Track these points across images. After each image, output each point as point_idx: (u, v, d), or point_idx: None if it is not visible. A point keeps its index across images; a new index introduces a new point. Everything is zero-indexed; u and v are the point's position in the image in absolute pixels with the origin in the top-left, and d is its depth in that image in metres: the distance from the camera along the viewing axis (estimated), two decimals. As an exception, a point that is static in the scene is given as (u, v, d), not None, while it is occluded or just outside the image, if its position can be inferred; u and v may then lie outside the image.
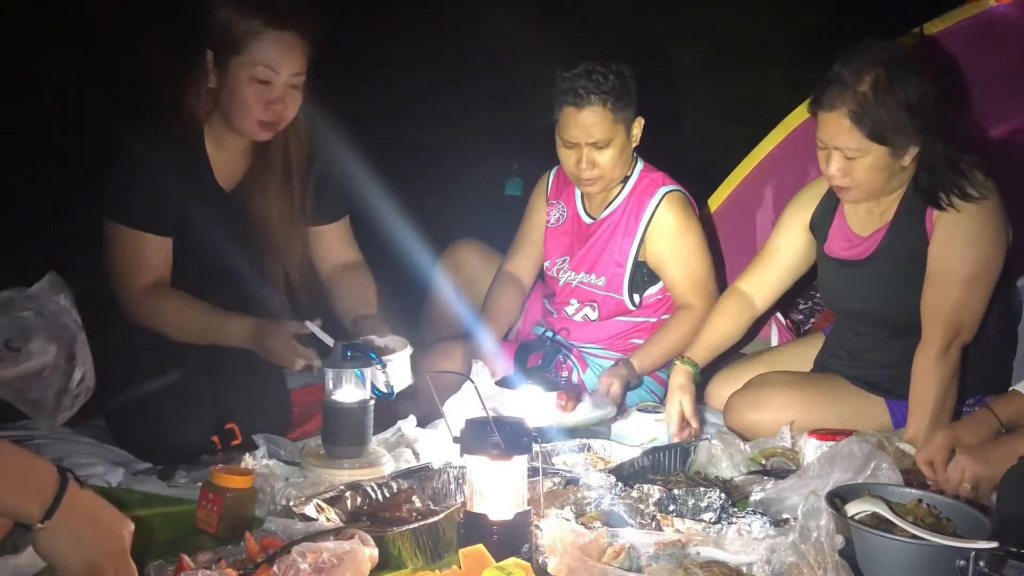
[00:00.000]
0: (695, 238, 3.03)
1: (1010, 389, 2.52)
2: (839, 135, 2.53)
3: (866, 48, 2.55)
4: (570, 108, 2.88)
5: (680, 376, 2.75)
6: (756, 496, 2.27)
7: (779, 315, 3.46)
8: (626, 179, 3.05)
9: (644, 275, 3.06)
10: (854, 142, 2.52)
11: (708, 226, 3.34)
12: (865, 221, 2.77)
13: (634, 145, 3.00)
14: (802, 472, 2.34)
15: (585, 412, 2.81)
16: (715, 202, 3.67)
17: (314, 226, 2.89)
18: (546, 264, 3.21)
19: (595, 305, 3.10)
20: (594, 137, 2.88)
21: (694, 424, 2.70)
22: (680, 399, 2.70)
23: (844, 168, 2.57)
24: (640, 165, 3.07)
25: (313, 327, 2.51)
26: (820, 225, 2.87)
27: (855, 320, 2.87)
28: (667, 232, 3.01)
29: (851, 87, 2.50)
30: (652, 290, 3.09)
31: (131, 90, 3.02)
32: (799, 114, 3.45)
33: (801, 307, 3.59)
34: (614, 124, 2.88)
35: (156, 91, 2.73)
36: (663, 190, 3.02)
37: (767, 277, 2.94)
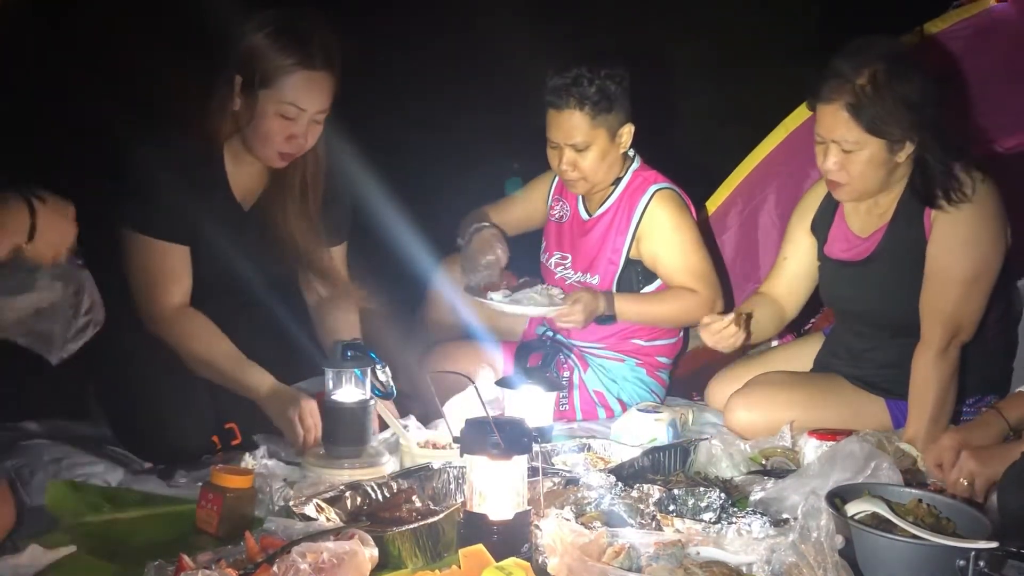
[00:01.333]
0: (689, 234, 3.02)
1: (1016, 391, 2.51)
2: (836, 127, 2.54)
3: (867, 43, 2.56)
4: (551, 110, 2.92)
5: None
6: (756, 496, 2.27)
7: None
8: (619, 179, 3.06)
9: (639, 274, 3.06)
10: (851, 135, 2.53)
11: (706, 230, 3.33)
12: (864, 222, 2.77)
13: (622, 151, 3.00)
14: (802, 472, 2.34)
15: (529, 301, 2.90)
16: (715, 203, 3.66)
17: (324, 244, 2.88)
18: (543, 257, 3.22)
19: None
20: (573, 139, 2.91)
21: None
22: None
23: (840, 162, 2.57)
24: (635, 165, 3.08)
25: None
26: (820, 227, 2.87)
27: (855, 320, 2.87)
28: (659, 229, 3.01)
29: (850, 80, 2.51)
30: (647, 290, 3.08)
31: (153, 103, 3.01)
32: (799, 115, 3.44)
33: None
34: (592, 129, 2.90)
35: (178, 106, 2.72)
36: (653, 188, 3.03)
37: (781, 287, 2.96)
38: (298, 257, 2.80)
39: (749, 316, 2.75)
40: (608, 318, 2.98)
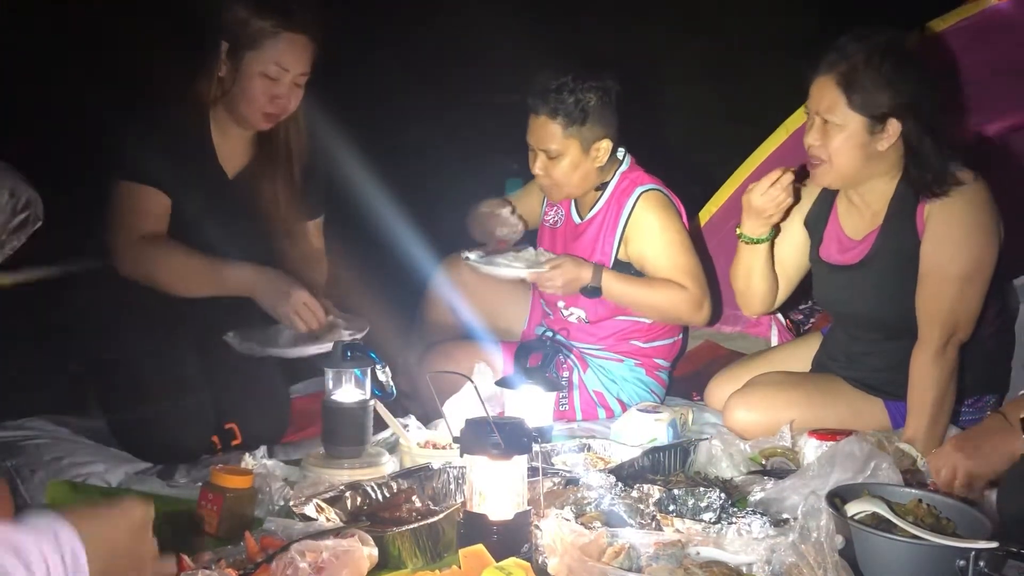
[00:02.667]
0: (677, 235, 3.00)
1: (1021, 393, 2.51)
2: (824, 99, 2.57)
3: (873, 30, 2.60)
4: (530, 113, 2.94)
5: None
6: (756, 496, 2.27)
7: (779, 315, 3.46)
8: (607, 182, 3.05)
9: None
10: (837, 107, 2.55)
11: (697, 236, 3.31)
12: (857, 224, 2.77)
13: (598, 165, 2.98)
14: (802, 472, 2.34)
15: (507, 261, 2.93)
16: (716, 203, 3.66)
17: (303, 218, 2.97)
18: None
19: (584, 307, 3.09)
20: (544, 145, 2.92)
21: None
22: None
23: (822, 136, 2.59)
24: (624, 166, 3.06)
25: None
26: (815, 226, 2.87)
27: (851, 324, 2.87)
28: (645, 230, 2.99)
29: (845, 57, 2.55)
30: None
31: (141, 73, 3.04)
32: (800, 116, 3.44)
33: (801, 307, 3.59)
34: (564, 139, 2.90)
35: (165, 74, 2.80)
36: (639, 189, 3.02)
37: None
38: (281, 226, 2.87)
39: (795, 172, 2.71)
40: (595, 290, 2.97)
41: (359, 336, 2.70)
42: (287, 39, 2.69)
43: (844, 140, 2.58)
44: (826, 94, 2.57)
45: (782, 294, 2.97)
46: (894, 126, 2.56)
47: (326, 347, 2.58)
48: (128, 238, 2.69)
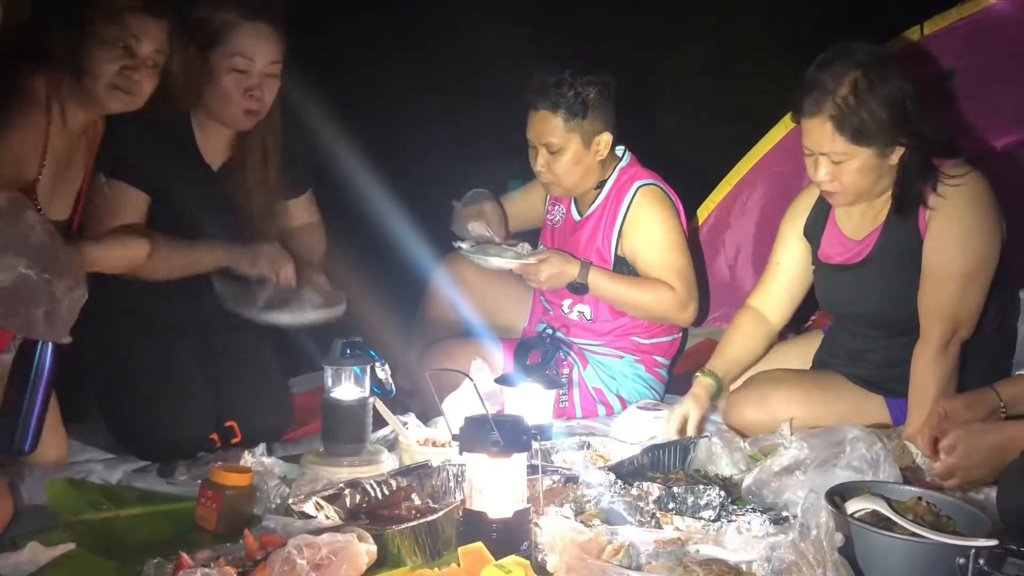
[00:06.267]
0: (672, 232, 3.01)
1: (1016, 373, 2.50)
2: (824, 141, 2.53)
3: (843, 50, 2.54)
4: (530, 110, 2.96)
5: (699, 387, 2.76)
6: (747, 482, 2.28)
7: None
8: (606, 179, 3.06)
9: (631, 272, 3.05)
10: (839, 147, 2.52)
11: (693, 238, 3.31)
12: (858, 224, 2.76)
13: (599, 159, 2.99)
14: (782, 454, 2.34)
15: (496, 253, 2.99)
16: (714, 200, 3.67)
17: (284, 199, 2.96)
18: None
19: (588, 304, 3.10)
20: (545, 140, 2.94)
21: (691, 433, 2.68)
22: (690, 409, 2.70)
23: (832, 173, 2.57)
24: (624, 162, 3.07)
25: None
26: (813, 231, 2.86)
27: (852, 322, 2.86)
28: (641, 223, 3.00)
29: (831, 91, 2.49)
30: None
31: None
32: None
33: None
34: (566, 133, 2.92)
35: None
36: (637, 183, 3.03)
37: (774, 293, 2.93)
38: (251, 221, 2.85)
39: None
40: (581, 287, 2.98)
41: (334, 313, 2.71)
42: (248, 29, 2.68)
43: (857, 171, 2.55)
44: (824, 137, 2.52)
45: (787, 313, 2.96)
46: (901, 142, 2.55)
47: (296, 317, 2.64)
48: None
